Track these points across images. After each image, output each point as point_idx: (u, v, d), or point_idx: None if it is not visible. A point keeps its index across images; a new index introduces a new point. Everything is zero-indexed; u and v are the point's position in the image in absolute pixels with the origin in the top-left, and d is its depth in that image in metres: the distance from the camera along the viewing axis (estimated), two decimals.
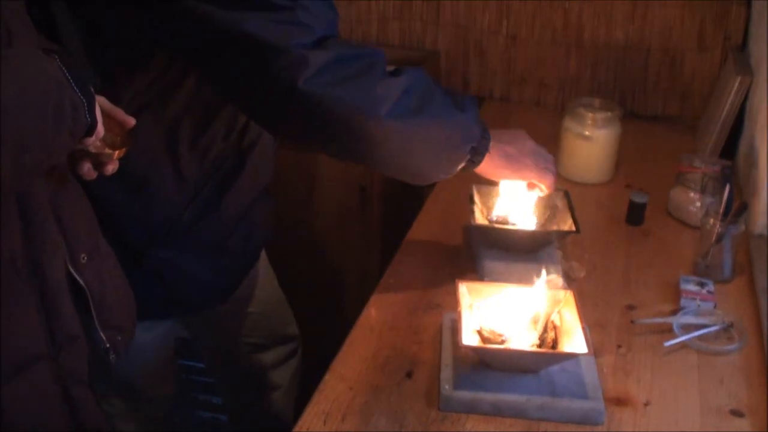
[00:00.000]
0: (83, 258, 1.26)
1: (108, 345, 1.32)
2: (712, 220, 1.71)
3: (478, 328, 1.43)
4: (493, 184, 1.73)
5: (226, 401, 2.29)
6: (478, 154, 1.55)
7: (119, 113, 1.28)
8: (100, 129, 1.17)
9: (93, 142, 1.19)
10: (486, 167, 1.59)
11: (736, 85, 2.12)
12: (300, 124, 1.41)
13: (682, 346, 1.53)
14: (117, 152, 1.25)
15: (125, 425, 1.84)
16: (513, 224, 1.72)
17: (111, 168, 1.25)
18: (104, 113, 1.24)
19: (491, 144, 1.56)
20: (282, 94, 1.34)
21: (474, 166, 1.57)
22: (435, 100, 1.48)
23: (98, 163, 1.24)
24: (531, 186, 1.67)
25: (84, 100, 1.09)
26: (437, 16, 2.56)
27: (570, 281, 1.68)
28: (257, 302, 1.92)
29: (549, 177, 1.66)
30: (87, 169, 1.23)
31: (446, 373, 1.39)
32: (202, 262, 1.62)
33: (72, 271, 1.24)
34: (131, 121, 1.28)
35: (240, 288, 1.76)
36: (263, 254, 1.91)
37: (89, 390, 1.29)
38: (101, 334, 1.30)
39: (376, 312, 1.60)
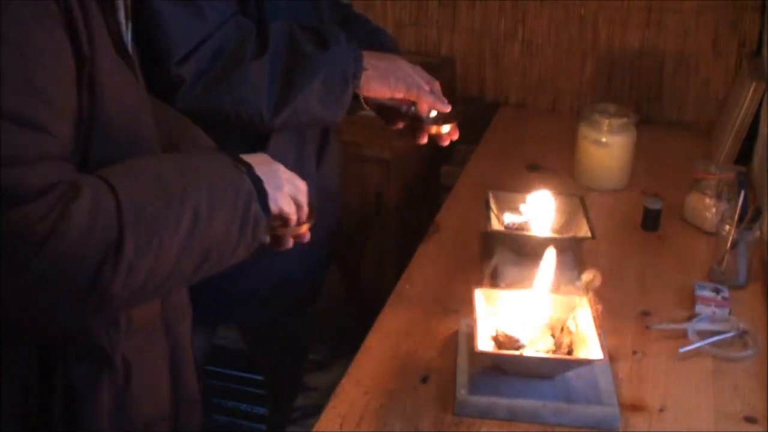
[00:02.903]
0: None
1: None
2: (727, 226, 1.71)
3: (494, 334, 1.44)
4: (509, 190, 1.73)
5: (272, 412, 2.28)
6: (356, 78, 1.56)
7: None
8: (303, 214, 1.22)
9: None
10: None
11: (751, 91, 2.12)
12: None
13: (697, 352, 1.53)
14: (306, 225, 1.26)
15: None
16: (529, 230, 1.72)
17: (307, 238, 1.27)
18: None
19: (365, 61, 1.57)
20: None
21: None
22: (302, 62, 1.49)
23: (296, 237, 1.26)
24: (403, 102, 1.64)
25: (266, 218, 1.11)
26: (453, 22, 2.57)
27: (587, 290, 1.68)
28: (327, 317, 1.93)
29: (418, 91, 1.62)
30: (291, 244, 1.26)
31: (462, 378, 1.40)
32: (249, 259, 1.62)
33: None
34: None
35: (309, 304, 1.78)
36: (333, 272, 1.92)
37: None
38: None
39: (392, 317, 1.61)
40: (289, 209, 1.18)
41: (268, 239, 1.16)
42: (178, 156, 1.09)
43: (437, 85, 1.66)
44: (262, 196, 1.11)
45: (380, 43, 1.73)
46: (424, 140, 1.68)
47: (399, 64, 1.62)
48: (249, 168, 1.11)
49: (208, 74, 1.41)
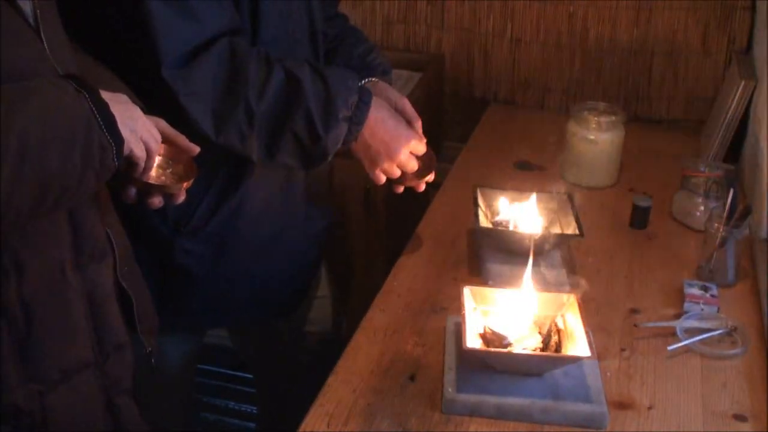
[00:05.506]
0: (125, 267, 1.27)
1: (150, 349, 1.33)
2: (716, 224, 1.71)
3: (482, 332, 1.44)
4: (498, 187, 1.73)
5: (263, 410, 2.27)
6: (355, 123, 1.53)
7: (182, 140, 1.25)
8: (152, 163, 1.16)
9: (158, 178, 1.18)
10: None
11: (740, 89, 2.12)
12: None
13: (686, 350, 1.53)
14: (185, 183, 1.23)
15: None
16: (517, 227, 1.72)
17: (181, 199, 1.24)
18: (168, 140, 1.23)
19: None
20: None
21: (353, 138, 1.56)
22: (301, 99, 1.47)
23: (167, 195, 1.22)
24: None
25: (113, 143, 1.05)
26: (442, 19, 2.57)
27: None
28: (314, 322, 1.92)
29: (375, 166, 1.63)
30: (158, 201, 1.22)
31: (450, 376, 1.40)
32: (237, 266, 1.62)
33: (120, 279, 1.25)
34: (195, 149, 1.26)
35: (297, 306, 1.78)
36: (323, 274, 1.91)
37: (132, 400, 1.29)
38: (143, 339, 1.32)
39: (380, 315, 1.60)
40: (140, 153, 1.13)
41: (116, 164, 1.08)
42: (11, 84, 1.01)
43: (418, 124, 1.65)
44: (109, 122, 1.04)
45: (374, 63, 1.72)
46: (401, 190, 1.70)
47: (392, 146, 1.60)
48: (93, 93, 1.04)
49: (200, 97, 1.39)
